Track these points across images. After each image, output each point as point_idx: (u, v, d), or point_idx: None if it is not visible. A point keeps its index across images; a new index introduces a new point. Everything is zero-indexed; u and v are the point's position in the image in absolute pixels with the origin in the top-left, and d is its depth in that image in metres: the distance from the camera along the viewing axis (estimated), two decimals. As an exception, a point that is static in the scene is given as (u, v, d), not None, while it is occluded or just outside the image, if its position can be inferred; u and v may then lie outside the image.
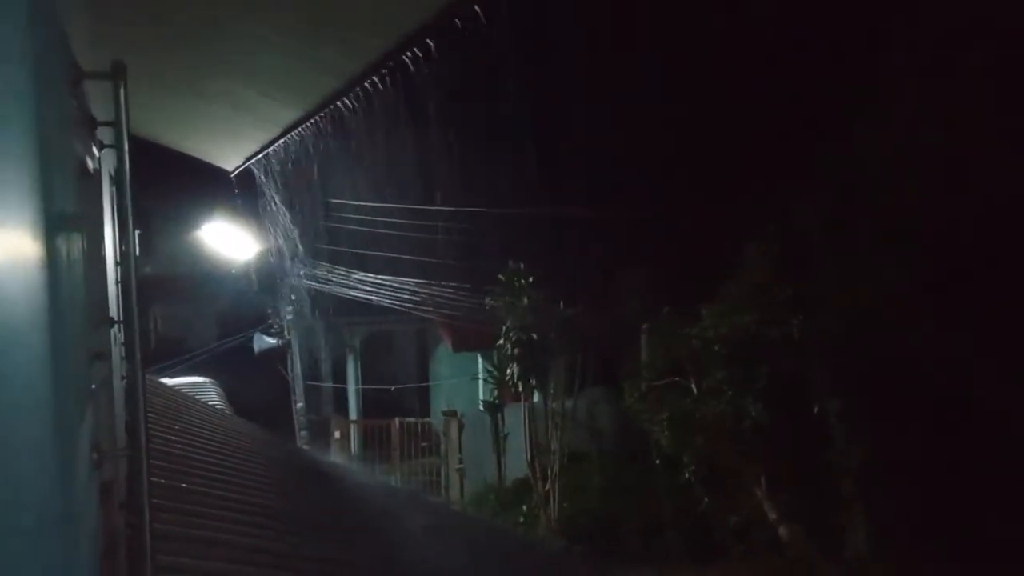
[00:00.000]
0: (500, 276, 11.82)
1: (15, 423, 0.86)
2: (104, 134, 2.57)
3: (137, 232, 1.77)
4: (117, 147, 1.67)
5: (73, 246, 1.48)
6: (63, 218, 1.31)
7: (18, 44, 1.01)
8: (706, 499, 9.75)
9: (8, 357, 0.84)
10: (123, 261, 1.95)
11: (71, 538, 1.18)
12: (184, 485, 4.46)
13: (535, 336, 11.54)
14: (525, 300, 11.62)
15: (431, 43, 4.24)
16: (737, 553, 9.71)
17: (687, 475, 9.73)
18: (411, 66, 4.68)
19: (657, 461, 10.54)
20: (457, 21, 3.86)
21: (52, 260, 1.14)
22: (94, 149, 2.54)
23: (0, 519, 0.75)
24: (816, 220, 8.88)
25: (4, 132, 0.89)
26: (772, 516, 9.38)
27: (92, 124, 2.31)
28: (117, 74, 1.65)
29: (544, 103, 10.43)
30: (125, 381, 3.35)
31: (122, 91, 1.64)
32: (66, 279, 1.31)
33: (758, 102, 9.71)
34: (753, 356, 9.16)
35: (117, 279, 3.01)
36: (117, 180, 1.74)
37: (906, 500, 8.16)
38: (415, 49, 4.38)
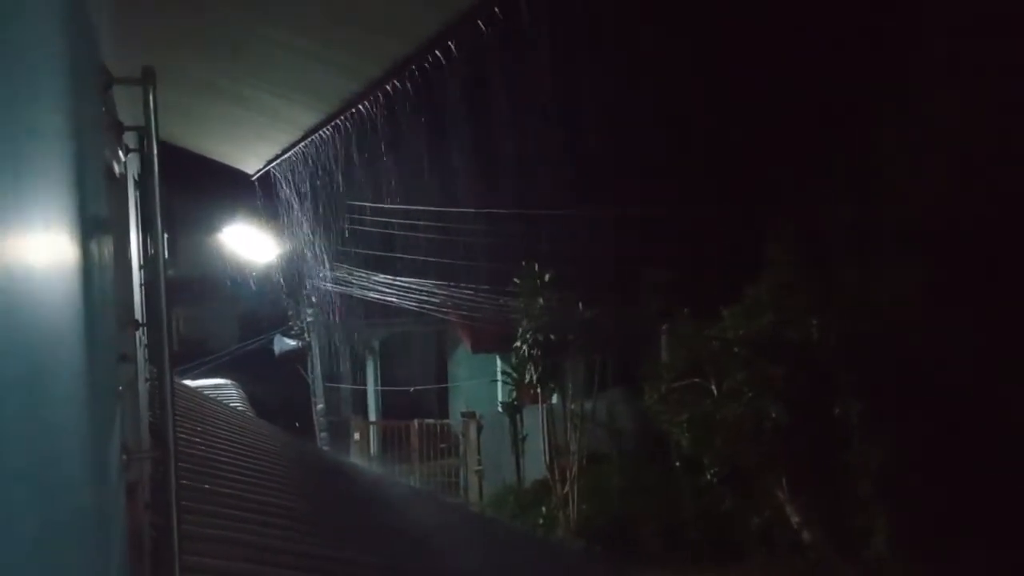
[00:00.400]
0: (515, 280, 11.82)
1: (52, 424, 0.87)
2: (128, 138, 2.60)
3: (166, 236, 1.79)
4: (146, 152, 1.69)
5: (104, 249, 1.50)
6: (96, 222, 1.33)
7: (52, 49, 1.03)
8: (728, 501, 9.70)
9: (46, 358, 0.85)
10: (151, 264, 1.98)
11: (104, 538, 1.19)
12: (207, 486, 4.49)
13: (552, 337, 11.53)
14: (541, 301, 11.62)
15: (452, 46, 4.26)
16: (758, 555, 9.66)
17: (709, 476, 9.68)
18: (432, 70, 4.70)
19: (677, 463, 10.50)
20: (480, 24, 3.87)
21: (86, 263, 1.16)
22: (120, 153, 2.57)
23: (37, 518, 0.76)
24: (838, 220, 8.82)
25: (39, 137, 0.91)
26: (795, 519, 9.32)
27: (119, 129, 2.33)
28: (147, 79, 1.67)
29: (565, 103, 10.43)
30: (149, 383, 3.39)
31: (152, 96, 1.66)
32: (98, 282, 1.32)
33: (784, 100, 9.63)
34: (773, 358, 9.12)
35: (141, 282, 3.04)
36: (145, 185, 1.76)
37: (927, 502, 8.09)
38: (436, 52, 4.40)
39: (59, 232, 0.98)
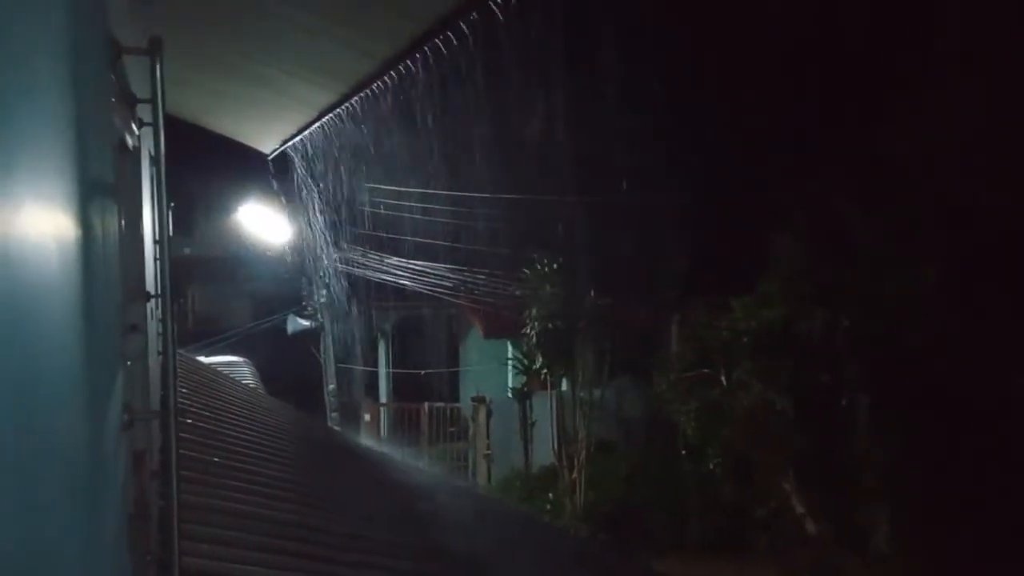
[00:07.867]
0: (526, 270, 11.81)
1: (46, 384, 0.90)
2: (144, 112, 2.62)
3: (171, 206, 1.81)
4: (153, 122, 1.71)
5: (108, 220, 1.52)
6: (97, 192, 1.35)
7: (57, 18, 1.04)
8: (732, 490, 9.70)
9: (41, 321, 0.88)
10: (159, 237, 2.00)
11: (99, 497, 1.22)
12: (216, 459, 4.55)
13: (560, 324, 11.53)
14: (548, 288, 11.62)
15: (464, 26, 4.26)
16: (763, 545, 9.66)
17: (711, 466, 9.69)
18: (444, 49, 4.71)
19: (684, 452, 10.51)
20: (492, 3, 3.87)
21: (85, 232, 1.18)
22: (133, 126, 2.59)
23: (33, 475, 0.79)
24: (850, 212, 8.76)
25: (42, 105, 0.93)
26: (799, 510, 9.31)
27: (132, 101, 2.36)
28: (154, 50, 1.69)
29: (579, 86, 10.38)
30: (161, 356, 3.43)
31: (158, 67, 1.68)
32: (98, 250, 1.34)
33: (797, 90, 9.54)
34: (782, 350, 9.09)
35: (155, 255, 3.08)
36: (154, 156, 1.79)
37: (932, 496, 8.06)
38: (448, 32, 4.40)
39: (56, 201, 1.00)
